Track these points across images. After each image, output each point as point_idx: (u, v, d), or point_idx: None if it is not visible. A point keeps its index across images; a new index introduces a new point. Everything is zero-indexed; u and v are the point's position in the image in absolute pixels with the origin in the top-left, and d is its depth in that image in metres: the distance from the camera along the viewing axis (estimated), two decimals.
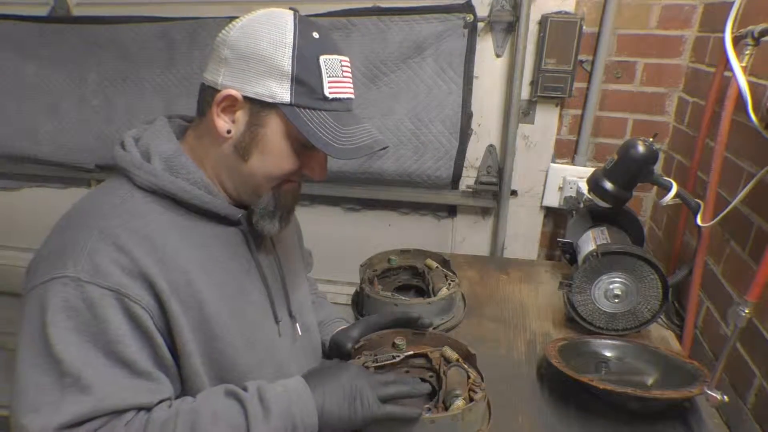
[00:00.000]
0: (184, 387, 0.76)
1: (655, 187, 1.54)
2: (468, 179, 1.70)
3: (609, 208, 1.23)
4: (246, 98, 0.73)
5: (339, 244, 1.83)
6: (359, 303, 1.23)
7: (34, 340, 0.65)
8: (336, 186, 1.74)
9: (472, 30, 1.50)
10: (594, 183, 1.21)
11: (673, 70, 1.48)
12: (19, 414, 0.63)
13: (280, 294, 0.90)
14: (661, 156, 1.55)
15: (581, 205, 1.45)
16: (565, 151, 1.63)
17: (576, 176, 1.57)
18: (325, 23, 1.54)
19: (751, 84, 0.93)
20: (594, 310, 1.17)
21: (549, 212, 1.71)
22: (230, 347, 0.77)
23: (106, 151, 1.78)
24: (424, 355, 0.97)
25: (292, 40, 0.71)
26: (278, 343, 0.87)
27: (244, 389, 0.74)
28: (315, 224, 1.59)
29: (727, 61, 0.92)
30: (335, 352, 0.99)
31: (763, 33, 0.93)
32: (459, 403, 0.83)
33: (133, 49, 1.71)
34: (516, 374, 1.06)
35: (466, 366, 0.92)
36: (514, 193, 1.67)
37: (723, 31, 0.94)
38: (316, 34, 0.74)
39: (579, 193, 1.51)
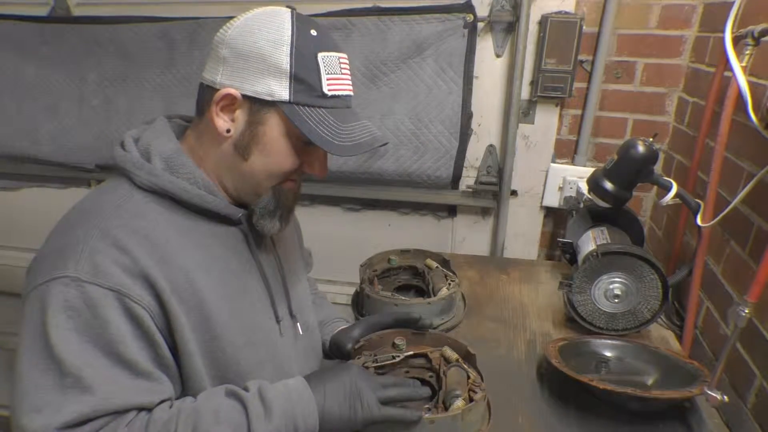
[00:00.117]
0: (185, 387, 0.76)
1: (655, 187, 1.54)
2: (468, 179, 1.70)
3: (609, 208, 1.23)
4: (245, 97, 0.73)
5: (339, 244, 1.83)
6: (359, 303, 1.23)
7: (35, 341, 0.65)
8: (336, 186, 1.74)
9: (472, 30, 1.50)
10: (594, 183, 1.21)
11: (673, 70, 1.48)
12: (20, 414, 0.63)
13: (281, 293, 0.90)
14: (661, 156, 1.55)
15: (581, 205, 1.45)
16: (565, 151, 1.63)
17: (576, 176, 1.57)
18: (325, 23, 1.54)
19: (751, 84, 0.93)
20: (594, 310, 1.17)
21: (549, 212, 1.71)
22: (231, 346, 0.77)
23: (106, 151, 1.78)
24: (424, 355, 0.97)
25: (290, 37, 0.71)
26: (279, 343, 0.87)
27: (245, 389, 0.74)
28: (315, 224, 1.59)
29: (727, 61, 0.92)
30: (335, 352, 0.99)
31: (763, 33, 0.93)
32: (459, 403, 0.83)
33: (133, 49, 1.71)
34: (516, 374, 1.06)
35: (466, 366, 0.92)
36: (514, 193, 1.67)
37: (723, 31, 0.94)
38: (313, 32, 0.74)
39: (579, 193, 1.51)
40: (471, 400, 0.85)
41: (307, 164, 0.80)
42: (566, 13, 1.44)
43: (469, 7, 1.49)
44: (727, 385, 1.04)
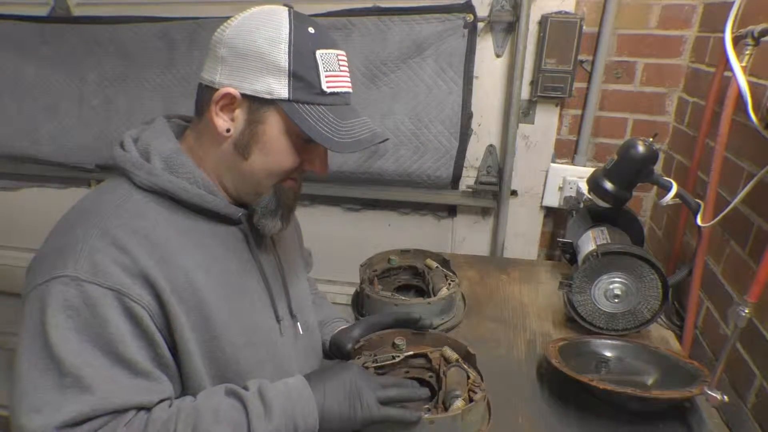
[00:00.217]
0: (185, 387, 0.76)
1: (655, 187, 1.53)
2: (468, 179, 1.70)
3: (609, 208, 1.23)
4: (244, 96, 0.73)
5: (339, 244, 1.83)
6: (359, 303, 1.23)
7: (35, 340, 0.65)
8: (336, 186, 1.74)
9: (472, 30, 1.50)
10: (594, 183, 1.21)
11: (673, 70, 1.48)
12: (19, 414, 0.63)
13: (281, 293, 0.90)
14: (661, 156, 1.55)
15: (581, 205, 1.45)
16: (565, 151, 1.63)
17: (576, 176, 1.57)
18: (325, 23, 1.54)
19: (751, 84, 0.93)
20: (594, 310, 1.17)
21: (549, 212, 1.71)
22: (231, 346, 0.77)
23: (106, 151, 1.78)
24: (424, 355, 0.97)
25: (287, 35, 0.71)
26: (279, 342, 0.87)
27: (245, 388, 0.74)
28: (315, 224, 1.59)
29: (727, 61, 0.92)
30: (335, 352, 0.99)
31: (763, 33, 0.93)
32: (459, 403, 0.83)
33: (133, 49, 1.71)
34: (516, 374, 1.06)
35: (465, 366, 0.92)
36: (514, 193, 1.67)
37: (723, 31, 0.94)
38: (311, 29, 0.74)
39: (579, 193, 1.51)
40: (471, 400, 0.85)
41: (308, 162, 0.80)
42: (566, 13, 1.44)
43: (469, 7, 1.49)
44: (727, 385, 1.03)
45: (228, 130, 0.75)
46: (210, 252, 0.77)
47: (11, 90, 1.84)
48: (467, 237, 1.78)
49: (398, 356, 0.95)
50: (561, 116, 1.59)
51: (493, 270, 1.51)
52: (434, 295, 1.20)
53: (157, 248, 0.71)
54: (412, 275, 1.37)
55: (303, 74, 0.72)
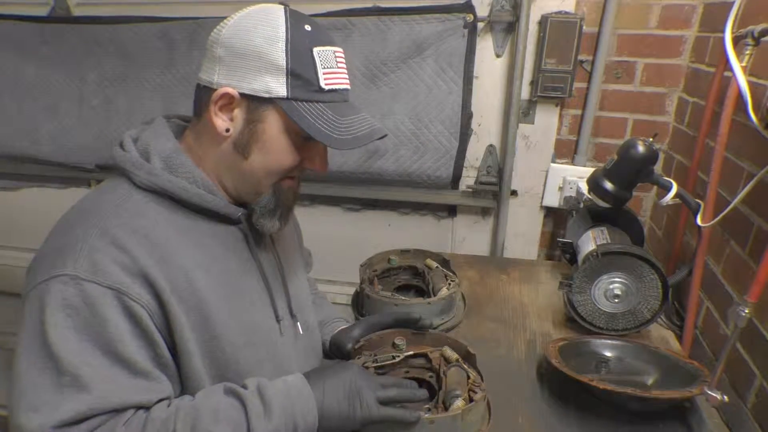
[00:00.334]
0: (185, 387, 0.76)
1: (655, 187, 1.53)
2: (468, 179, 1.70)
3: (609, 208, 1.23)
4: (243, 95, 0.73)
5: (339, 244, 1.83)
6: (359, 303, 1.23)
7: (34, 339, 0.65)
8: (336, 186, 1.74)
9: (472, 30, 1.50)
10: (594, 183, 1.21)
11: (673, 70, 1.48)
12: (18, 413, 0.63)
13: (281, 292, 0.90)
14: (661, 156, 1.55)
15: (581, 205, 1.45)
16: (565, 151, 1.63)
17: (576, 176, 1.57)
18: (325, 23, 1.54)
19: (751, 84, 0.93)
20: (594, 310, 1.17)
21: (549, 212, 1.71)
22: (231, 346, 0.77)
23: (106, 151, 1.76)
24: (424, 355, 0.97)
25: (284, 33, 0.72)
26: (279, 342, 0.87)
27: (244, 387, 0.74)
28: (315, 224, 1.59)
29: (727, 61, 0.92)
30: (335, 352, 0.99)
31: (763, 33, 0.93)
32: (459, 403, 0.83)
33: (133, 49, 1.71)
34: (516, 374, 1.06)
35: (465, 366, 0.92)
36: (514, 193, 1.67)
37: (723, 31, 0.94)
38: (308, 27, 0.74)
39: (579, 193, 1.51)
40: (471, 400, 0.85)
41: (308, 160, 0.80)
42: (566, 13, 1.44)
43: (469, 7, 1.49)
44: (727, 385, 1.03)
45: (227, 130, 0.75)
46: (210, 252, 0.77)
47: (11, 90, 1.84)
48: (467, 237, 1.78)
49: (398, 356, 0.95)
50: (561, 116, 1.59)
51: (493, 270, 1.51)
52: (434, 295, 1.20)
53: (157, 248, 0.71)
54: (412, 275, 1.37)
55: (301, 72, 0.72)
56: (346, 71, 0.78)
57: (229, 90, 0.72)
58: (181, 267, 0.72)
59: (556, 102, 1.56)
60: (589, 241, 1.29)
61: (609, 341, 1.11)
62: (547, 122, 1.59)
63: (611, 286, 1.14)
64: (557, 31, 1.44)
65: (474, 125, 1.63)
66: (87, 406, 0.64)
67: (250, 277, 0.83)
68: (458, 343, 0.97)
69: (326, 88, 0.74)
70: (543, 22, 1.45)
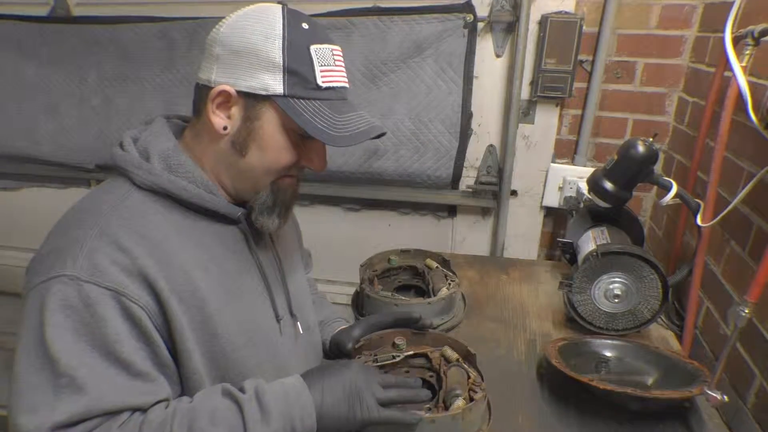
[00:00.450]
0: (185, 387, 0.76)
1: (655, 187, 1.54)
2: (468, 179, 1.70)
3: (609, 208, 1.23)
4: (240, 93, 0.73)
5: (339, 244, 1.83)
6: (359, 303, 1.23)
7: (32, 340, 0.65)
8: (336, 186, 1.74)
9: (472, 30, 1.50)
10: (594, 183, 1.21)
11: (673, 70, 1.48)
12: (16, 413, 0.63)
13: (281, 292, 0.90)
14: (661, 156, 1.55)
15: (581, 205, 1.45)
16: (565, 151, 1.63)
17: (576, 176, 1.57)
18: (325, 23, 1.54)
19: (751, 84, 0.93)
20: (594, 310, 1.17)
21: (549, 212, 1.71)
22: (231, 346, 0.77)
23: (106, 151, 1.76)
24: (424, 355, 0.97)
25: (281, 31, 0.72)
26: (279, 342, 0.87)
27: (242, 390, 0.73)
28: (315, 224, 1.60)
29: (727, 61, 0.92)
30: (335, 351, 0.99)
31: (763, 33, 0.93)
32: (459, 402, 0.83)
33: (133, 49, 1.71)
34: (516, 374, 1.06)
35: (466, 366, 0.92)
36: (514, 193, 1.67)
37: (723, 31, 0.94)
38: (305, 25, 0.74)
39: (579, 193, 1.51)
40: (471, 399, 0.85)
41: (306, 158, 0.80)
42: (566, 13, 1.45)
43: (469, 7, 1.49)
44: (727, 385, 1.03)
45: (225, 128, 0.75)
46: (209, 251, 0.77)
47: (11, 90, 1.84)
48: (467, 237, 1.78)
49: (398, 356, 0.95)
50: (561, 116, 1.59)
51: (493, 270, 1.51)
52: (434, 295, 1.20)
53: (157, 248, 0.71)
54: (412, 275, 1.37)
55: (297, 69, 0.72)
56: (344, 69, 0.78)
57: (227, 87, 0.72)
58: (180, 267, 0.72)
59: (556, 102, 1.56)
60: (589, 241, 1.29)
61: (609, 341, 1.11)
62: (547, 122, 1.59)
63: (611, 286, 1.14)
64: (557, 31, 1.44)
65: (474, 125, 1.63)
66: (83, 407, 0.64)
67: (249, 277, 0.83)
68: (458, 343, 0.97)
69: (324, 85, 0.74)
70: (543, 22, 1.45)
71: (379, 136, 0.80)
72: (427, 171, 1.63)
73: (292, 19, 0.73)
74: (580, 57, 1.50)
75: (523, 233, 1.73)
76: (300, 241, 1.10)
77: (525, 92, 1.55)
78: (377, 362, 0.93)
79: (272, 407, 0.71)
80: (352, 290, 1.32)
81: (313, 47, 0.73)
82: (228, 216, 0.80)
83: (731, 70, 0.92)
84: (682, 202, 1.15)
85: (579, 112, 1.57)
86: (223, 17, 0.76)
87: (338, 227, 1.84)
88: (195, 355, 0.74)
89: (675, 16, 1.43)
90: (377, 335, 0.99)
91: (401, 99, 1.58)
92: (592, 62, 1.50)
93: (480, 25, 1.51)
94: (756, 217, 1.00)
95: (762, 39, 0.94)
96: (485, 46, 1.55)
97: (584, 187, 1.37)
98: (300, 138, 0.76)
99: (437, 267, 1.31)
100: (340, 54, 0.78)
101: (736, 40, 0.97)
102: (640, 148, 1.12)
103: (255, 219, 0.80)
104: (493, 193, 1.66)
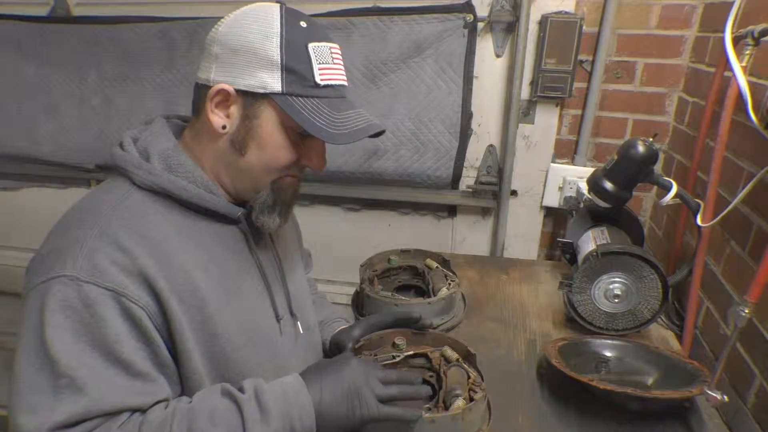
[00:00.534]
0: (185, 387, 0.76)
1: (655, 187, 1.53)
2: (468, 179, 1.70)
3: (609, 208, 1.23)
4: (238, 91, 0.73)
5: (339, 244, 1.83)
6: (359, 303, 1.23)
7: (32, 340, 0.65)
8: (336, 186, 1.74)
9: (472, 30, 1.50)
10: (594, 183, 1.21)
11: (673, 70, 1.48)
12: (16, 413, 0.63)
13: (281, 292, 0.90)
14: (661, 156, 1.55)
15: (581, 205, 1.45)
16: (565, 151, 1.63)
17: (576, 176, 1.57)
18: (325, 23, 1.54)
19: (751, 84, 0.93)
20: (594, 310, 1.17)
21: (549, 212, 1.71)
22: (231, 345, 0.77)
23: (106, 151, 1.76)
24: (424, 355, 0.97)
25: (279, 29, 0.72)
26: (279, 341, 0.87)
27: (241, 389, 0.73)
28: (315, 224, 1.60)
29: (727, 61, 0.92)
30: (335, 351, 0.99)
31: (763, 33, 0.93)
32: (459, 402, 0.83)
33: (133, 49, 1.71)
34: (516, 374, 1.06)
35: (466, 366, 0.92)
36: (514, 193, 1.67)
37: (723, 31, 0.94)
38: (303, 23, 0.74)
39: (579, 193, 1.51)
40: (471, 399, 0.85)
41: (305, 157, 0.80)
42: (566, 13, 1.45)
43: (469, 7, 1.49)
44: (727, 385, 1.03)
45: (224, 127, 0.75)
46: (209, 251, 0.77)
47: (11, 90, 1.84)
48: (467, 237, 1.78)
49: (398, 356, 0.95)
50: (561, 116, 1.59)
51: (493, 270, 1.51)
52: (434, 295, 1.20)
53: (157, 248, 0.71)
54: (412, 275, 1.37)
55: (295, 67, 0.72)
56: (342, 67, 0.78)
57: (225, 86, 0.72)
58: (180, 267, 0.72)
59: (556, 102, 1.56)
60: (589, 241, 1.29)
61: (609, 341, 1.11)
62: (547, 122, 1.59)
63: (611, 286, 1.14)
64: (557, 31, 1.44)
65: (474, 125, 1.63)
66: (83, 408, 0.64)
67: (249, 277, 0.83)
68: (458, 343, 0.97)
69: (322, 83, 0.74)
70: (543, 22, 1.45)
71: (378, 134, 0.80)
72: (427, 171, 1.63)
73: (290, 17, 0.73)
74: (580, 57, 1.50)
75: (523, 233, 1.73)
76: (300, 241, 1.10)
77: (525, 92, 1.55)
78: (377, 362, 0.93)
79: (271, 407, 0.71)
80: (352, 290, 1.32)
81: (311, 45, 0.73)
82: (228, 216, 0.80)
83: (731, 70, 0.92)
84: (682, 202, 1.15)
85: (579, 112, 1.57)
86: (223, 17, 0.76)
87: (338, 227, 1.84)
88: (195, 355, 0.74)
89: (675, 16, 1.43)
90: (377, 335, 0.99)
91: (401, 99, 1.58)
92: (592, 62, 1.50)
93: (480, 25, 1.51)
94: (756, 217, 1.00)
95: (762, 39, 0.94)
96: (485, 46, 1.55)
97: (584, 187, 1.37)
98: (299, 137, 0.76)
99: (437, 267, 1.31)
100: (339, 52, 0.77)
101: (736, 40, 0.97)
102: (640, 148, 1.12)
103: (255, 218, 0.80)
104: (493, 193, 1.66)
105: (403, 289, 1.36)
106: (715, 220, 1.05)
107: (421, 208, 1.77)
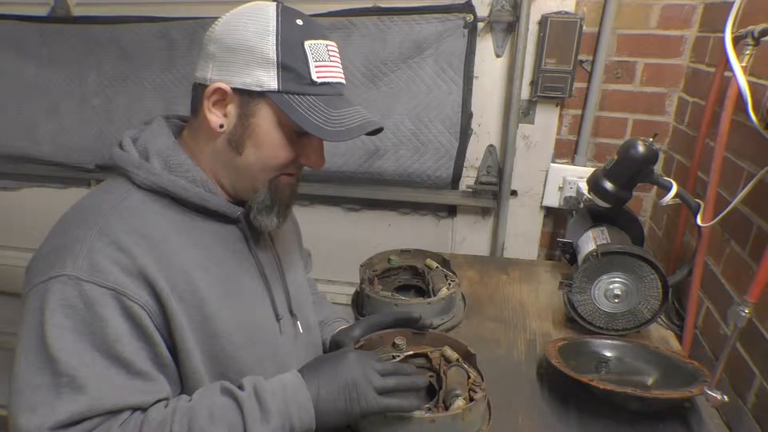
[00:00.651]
0: (185, 386, 0.76)
1: (655, 187, 1.53)
2: (468, 179, 1.70)
3: (609, 208, 1.23)
4: (235, 90, 0.73)
5: (339, 244, 1.83)
6: (359, 303, 1.23)
7: (32, 339, 0.65)
8: (336, 186, 1.74)
9: (472, 30, 1.50)
10: (594, 183, 1.21)
11: (673, 70, 1.48)
12: (16, 413, 0.63)
13: (281, 291, 0.90)
14: (661, 156, 1.55)
15: (581, 205, 1.45)
16: (565, 151, 1.63)
17: (576, 176, 1.57)
18: (325, 23, 1.54)
19: (751, 84, 0.93)
20: (594, 310, 1.17)
21: (549, 212, 1.71)
22: (231, 345, 0.77)
23: (106, 151, 1.76)
24: (424, 355, 0.97)
25: (275, 27, 0.72)
26: (279, 341, 0.87)
27: (241, 387, 0.74)
28: (315, 224, 1.59)
29: (727, 61, 0.92)
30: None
31: (763, 33, 0.93)
32: (459, 402, 0.83)
33: (133, 49, 1.71)
34: (516, 374, 1.06)
35: (466, 366, 0.92)
36: (514, 193, 1.67)
37: (723, 31, 0.94)
38: (299, 21, 0.74)
39: (579, 193, 1.51)
40: (471, 399, 0.85)
41: (303, 156, 0.79)
42: (566, 13, 1.45)
43: (469, 7, 1.49)
44: (727, 385, 1.03)
45: (221, 126, 0.75)
46: (209, 251, 0.77)
47: (11, 90, 1.84)
48: (467, 237, 1.78)
49: (398, 356, 0.95)
50: (561, 116, 1.59)
51: (493, 270, 1.51)
52: (434, 295, 1.20)
53: (156, 247, 0.71)
54: (412, 275, 1.37)
55: (292, 65, 0.72)
56: (339, 65, 0.78)
57: (222, 85, 0.72)
58: (180, 266, 0.72)
59: (556, 102, 1.56)
60: (589, 241, 1.29)
61: (609, 341, 1.11)
62: (547, 122, 1.59)
63: (611, 286, 1.14)
64: (557, 31, 1.44)
65: (474, 125, 1.63)
66: (83, 407, 0.64)
67: (249, 277, 0.83)
68: (458, 343, 0.97)
69: (318, 81, 0.74)
70: (543, 22, 1.45)
71: (376, 132, 0.80)
72: (427, 171, 1.63)
73: (286, 15, 0.73)
74: (580, 57, 1.50)
75: (523, 233, 1.73)
76: (300, 240, 1.10)
77: (525, 92, 1.55)
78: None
79: (271, 405, 0.71)
80: (352, 290, 1.32)
81: (307, 43, 0.73)
82: (227, 215, 0.80)
83: (731, 70, 0.92)
84: (682, 202, 1.15)
85: (579, 112, 1.57)
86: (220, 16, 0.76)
87: (338, 227, 1.84)
88: (195, 355, 0.74)
89: (675, 16, 1.43)
90: (377, 335, 0.99)
91: (401, 99, 1.58)
92: (592, 62, 1.50)
93: (480, 25, 1.51)
94: (756, 217, 1.00)
95: (762, 39, 0.94)
96: (485, 46, 1.55)
97: (584, 187, 1.37)
98: (296, 135, 0.76)
99: (437, 267, 1.31)
100: (336, 50, 0.77)
101: (736, 40, 0.97)
102: (640, 148, 1.12)
103: (254, 218, 0.80)
104: (493, 193, 1.66)
105: (403, 289, 1.36)
106: (715, 220, 1.05)
107: (421, 208, 1.77)
